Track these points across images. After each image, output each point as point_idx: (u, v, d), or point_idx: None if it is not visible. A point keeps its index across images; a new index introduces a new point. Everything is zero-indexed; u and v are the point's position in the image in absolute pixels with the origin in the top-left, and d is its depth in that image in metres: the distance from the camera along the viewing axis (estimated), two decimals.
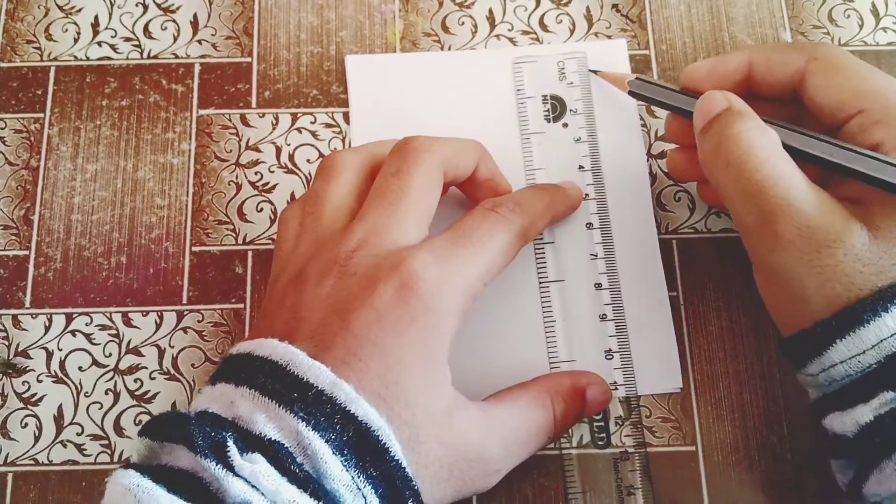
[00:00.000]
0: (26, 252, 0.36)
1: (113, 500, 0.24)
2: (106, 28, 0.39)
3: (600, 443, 0.33)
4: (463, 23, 0.39)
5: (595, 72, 0.37)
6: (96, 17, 0.39)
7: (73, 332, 0.35)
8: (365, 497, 0.25)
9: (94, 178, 0.37)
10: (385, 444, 0.25)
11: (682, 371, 0.34)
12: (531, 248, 0.35)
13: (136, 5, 0.39)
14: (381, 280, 0.27)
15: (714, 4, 0.40)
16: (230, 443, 0.24)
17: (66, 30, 0.39)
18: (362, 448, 0.25)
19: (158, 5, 0.40)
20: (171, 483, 0.24)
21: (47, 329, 0.35)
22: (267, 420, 0.25)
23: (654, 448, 0.33)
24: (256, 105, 0.38)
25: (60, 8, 0.39)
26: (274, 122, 0.38)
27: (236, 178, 0.37)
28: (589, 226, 0.35)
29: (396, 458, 0.26)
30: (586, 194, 0.36)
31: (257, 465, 0.24)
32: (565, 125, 0.37)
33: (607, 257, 0.35)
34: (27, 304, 0.35)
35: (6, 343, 0.34)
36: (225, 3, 0.40)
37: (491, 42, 0.39)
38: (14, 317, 0.35)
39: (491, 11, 0.40)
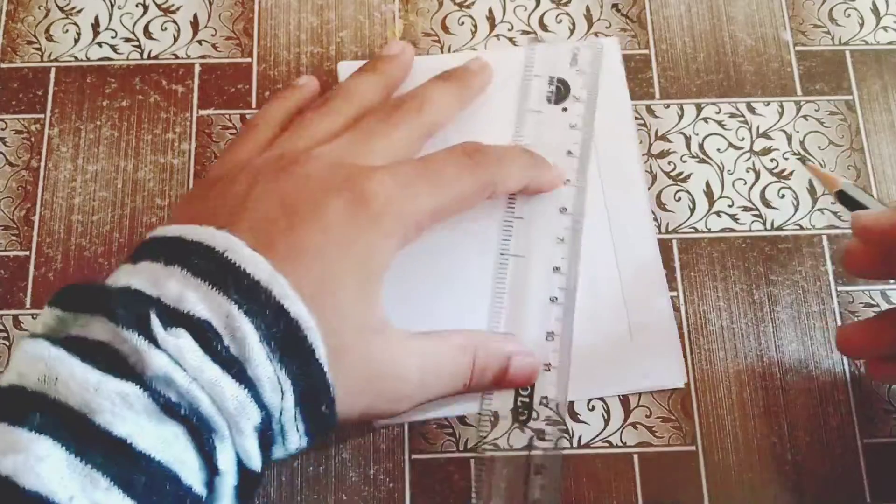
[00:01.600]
0: (27, 253, 0.36)
1: (19, 369, 0.23)
2: (106, 29, 0.39)
3: (522, 418, 0.33)
4: (463, 23, 0.39)
5: (804, 162, 0.34)
6: (96, 18, 0.39)
7: None
8: (283, 392, 0.25)
9: (95, 179, 0.37)
10: (311, 344, 0.25)
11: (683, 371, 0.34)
12: (500, 218, 0.35)
13: (137, 6, 0.40)
14: (334, 189, 0.28)
15: (714, 4, 0.40)
16: (153, 316, 0.23)
17: (67, 30, 0.39)
18: (289, 344, 0.25)
19: (158, 6, 0.40)
20: (84, 354, 0.23)
21: None
22: (197, 299, 0.24)
23: (654, 448, 0.33)
24: (257, 105, 0.38)
25: (61, 9, 0.39)
26: None
27: None
28: (563, 210, 0.35)
29: (320, 361, 0.26)
30: (567, 179, 0.36)
31: (182, 340, 0.23)
32: (564, 109, 0.37)
33: (572, 245, 0.35)
34: (28, 305, 0.35)
35: (7, 343, 0.34)
36: (225, 4, 0.40)
37: (491, 42, 0.39)
38: (15, 317, 0.35)
39: (491, 11, 0.40)
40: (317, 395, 0.26)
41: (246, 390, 0.24)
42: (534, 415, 0.33)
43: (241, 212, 0.27)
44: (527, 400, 0.33)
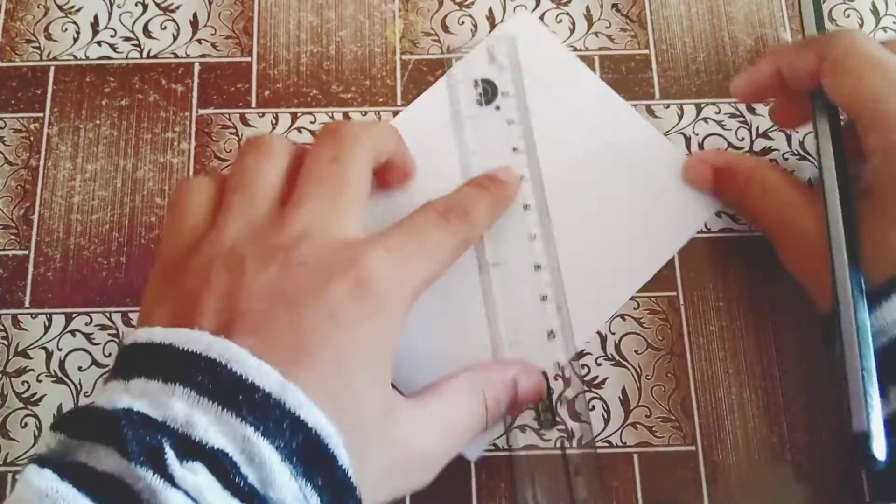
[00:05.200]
0: (26, 252, 0.36)
1: (23, 502, 0.21)
2: (105, 27, 0.39)
3: (546, 423, 0.33)
4: (463, 22, 0.39)
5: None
6: (96, 17, 0.39)
7: (72, 332, 0.35)
8: None
9: (94, 178, 0.37)
10: (333, 452, 0.24)
11: (682, 370, 0.34)
12: None
13: (136, 5, 0.39)
14: (335, 275, 0.26)
15: (714, 4, 0.40)
16: (168, 449, 0.22)
17: (66, 29, 0.39)
18: (311, 456, 0.24)
19: (158, 5, 0.39)
20: (94, 489, 0.21)
21: (47, 329, 0.35)
22: (209, 424, 0.23)
23: (654, 448, 0.33)
24: (256, 105, 0.38)
25: (60, 7, 0.39)
26: (273, 121, 0.38)
27: None
28: (526, 207, 0.35)
29: (343, 466, 0.25)
30: (522, 176, 0.36)
31: (200, 476, 0.22)
32: (497, 108, 0.37)
33: (545, 237, 0.35)
34: (27, 304, 0.35)
35: (6, 343, 0.34)
36: (225, 3, 0.40)
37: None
38: (14, 316, 0.35)
39: (491, 11, 0.40)
40: (343, 501, 0.25)
41: None
42: (558, 418, 0.33)
43: (235, 312, 0.25)
44: (547, 403, 0.33)
